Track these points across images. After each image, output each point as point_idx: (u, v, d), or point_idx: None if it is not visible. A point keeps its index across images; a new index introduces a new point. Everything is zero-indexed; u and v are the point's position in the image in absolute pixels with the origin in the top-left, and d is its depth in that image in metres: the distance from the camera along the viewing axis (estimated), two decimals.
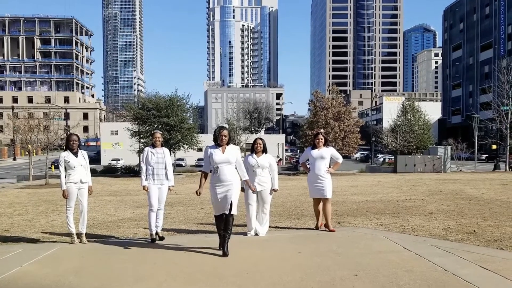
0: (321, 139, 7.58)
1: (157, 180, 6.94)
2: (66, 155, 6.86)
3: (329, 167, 7.58)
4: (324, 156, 7.46)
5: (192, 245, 6.44)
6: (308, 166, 7.84)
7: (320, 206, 7.58)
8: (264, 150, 7.18)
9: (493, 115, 39.39)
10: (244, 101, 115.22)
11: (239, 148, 6.07)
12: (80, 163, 6.89)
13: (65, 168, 6.86)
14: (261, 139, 7.22)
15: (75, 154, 6.91)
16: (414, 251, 5.80)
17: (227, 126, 5.96)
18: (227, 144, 5.99)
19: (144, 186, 6.99)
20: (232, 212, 5.82)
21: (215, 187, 5.84)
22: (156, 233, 6.95)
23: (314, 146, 7.61)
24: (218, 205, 5.85)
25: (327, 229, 7.49)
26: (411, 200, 12.29)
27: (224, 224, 5.85)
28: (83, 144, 75.57)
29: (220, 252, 5.81)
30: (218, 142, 5.96)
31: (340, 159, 7.78)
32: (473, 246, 6.23)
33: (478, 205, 10.83)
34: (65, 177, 6.82)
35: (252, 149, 7.21)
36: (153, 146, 7.07)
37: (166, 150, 7.12)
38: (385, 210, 10.32)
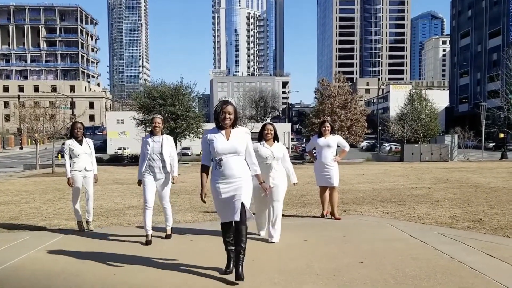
0: (328, 127, 7.48)
1: (152, 172, 6.03)
2: (70, 143, 6.80)
3: (336, 155, 7.52)
4: (330, 144, 7.37)
5: (199, 233, 6.47)
6: (314, 155, 7.73)
7: (327, 194, 7.55)
8: (276, 138, 5.99)
9: (501, 103, 39.02)
10: (250, 90, 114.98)
11: (249, 131, 4.57)
12: (84, 151, 6.82)
13: (70, 156, 6.80)
14: (271, 124, 6.04)
15: (80, 142, 6.84)
16: (420, 238, 5.78)
17: (232, 101, 4.42)
18: (233, 126, 4.39)
19: (139, 180, 6.15)
20: (243, 219, 4.24)
21: (218, 183, 4.29)
22: (166, 231, 6.28)
23: (321, 135, 7.51)
24: (224, 210, 4.32)
25: (333, 217, 7.48)
26: (417, 189, 12.25)
27: (235, 237, 4.30)
28: (89, 134, 75.88)
29: (229, 277, 4.30)
30: (220, 124, 4.37)
31: (347, 147, 7.70)
32: (479, 234, 6.20)
33: (484, 193, 10.77)
34: (70, 165, 6.78)
35: (261, 136, 5.99)
36: (152, 133, 6.14)
37: (167, 137, 6.19)
38: (391, 198, 10.29)
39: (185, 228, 6.88)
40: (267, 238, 5.89)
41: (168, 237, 6.20)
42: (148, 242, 5.87)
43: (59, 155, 36.74)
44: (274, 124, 6.16)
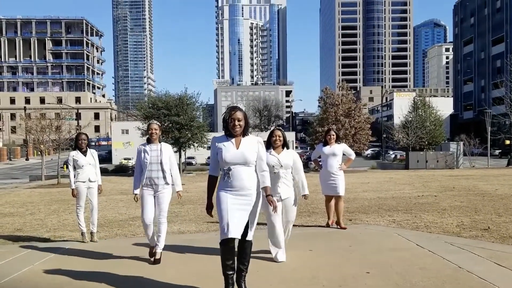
0: (333, 135, 7.40)
1: (150, 185, 5.47)
2: (75, 154, 6.80)
3: (341, 163, 7.47)
4: (336, 153, 7.32)
5: (205, 243, 6.42)
6: (319, 163, 7.67)
7: (332, 203, 7.49)
8: (285, 145, 5.48)
9: (506, 109, 38.86)
10: (253, 99, 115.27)
11: (261, 140, 4.21)
12: (88, 162, 6.79)
13: (74, 167, 6.80)
14: (280, 129, 5.51)
15: (84, 153, 6.83)
16: (427, 248, 5.71)
17: (242, 107, 4.14)
18: (243, 134, 4.07)
19: (135, 195, 5.64)
20: (249, 238, 4.00)
21: (226, 193, 3.93)
22: (154, 254, 5.48)
23: (326, 143, 7.45)
24: (229, 224, 3.80)
25: (338, 227, 7.41)
26: (423, 197, 12.15)
27: (239, 255, 4.02)
28: (94, 144, 76.15)
29: None
30: (229, 132, 4.04)
31: (352, 155, 7.66)
32: (487, 242, 6.12)
33: (492, 201, 10.67)
34: (74, 176, 6.76)
35: (269, 143, 5.46)
36: (148, 141, 5.61)
37: (165, 145, 5.64)
38: (397, 207, 10.21)
39: (189, 239, 6.84)
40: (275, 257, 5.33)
41: (156, 261, 5.37)
42: (152, 255, 5.53)
43: (65, 166, 36.81)
44: (283, 130, 5.59)
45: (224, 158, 3.93)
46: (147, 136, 5.66)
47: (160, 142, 5.62)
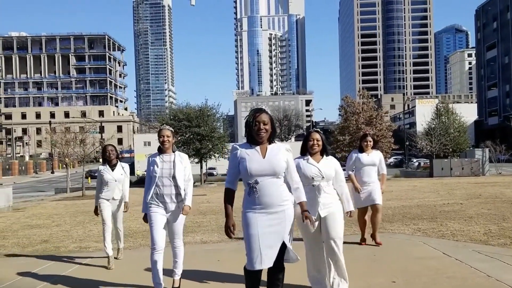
0: (370, 141, 6.48)
1: (161, 202, 4.58)
2: (102, 168, 6.15)
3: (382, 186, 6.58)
4: (375, 162, 6.46)
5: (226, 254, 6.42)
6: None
7: (367, 216, 6.65)
8: (324, 151, 4.39)
9: None
10: (273, 109, 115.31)
11: (289, 148, 3.58)
12: (114, 177, 6.08)
13: (101, 182, 6.18)
14: (318, 131, 4.43)
15: (114, 166, 6.15)
16: (454, 256, 5.59)
17: (267, 109, 3.65)
18: (269, 141, 3.46)
19: (145, 215, 4.71)
20: (282, 264, 3.41)
21: (255, 213, 3.33)
22: (172, 282, 4.75)
23: (361, 149, 6.53)
24: (262, 253, 3.26)
25: (374, 241, 6.62)
26: (449, 205, 11.91)
27: (269, 282, 3.45)
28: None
29: None
30: (252, 138, 3.43)
31: (385, 170, 6.74)
32: None
33: None
34: (100, 192, 6.18)
35: (304, 148, 4.44)
36: (160, 151, 4.72)
37: (180, 155, 4.75)
38: (422, 215, 10.03)
39: (212, 249, 6.85)
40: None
41: None
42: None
43: (89, 178, 37.47)
44: (321, 132, 4.50)
45: (249, 170, 3.32)
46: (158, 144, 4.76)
47: (174, 152, 4.71)
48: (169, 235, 4.70)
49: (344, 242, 5.23)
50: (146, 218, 4.65)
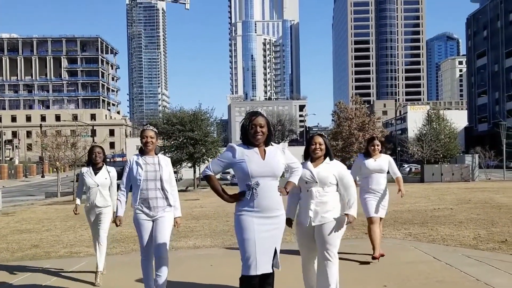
0: (378, 145, 5.94)
1: (147, 207, 4.31)
2: (85, 171, 5.58)
3: (399, 190, 6.24)
4: (383, 167, 5.92)
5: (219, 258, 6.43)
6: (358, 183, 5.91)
7: (377, 229, 6.00)
8: (328, 155, 4.09)
9: None
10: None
11: (286, 145, 3.59)
12: (97, 182, 5.47)
13: (82, 185, 5.60)
14: (321, 135, 4.19)
15: (98, 169, 5.55)
16: (444, 261, 5.66)
17: (263, 112, 3.56)
18: (266, 143, 3.42)
19: (117, 217, 4.46)
20: (276, 267, 3.38)
21: (252, 217, 3.26)
22: None
23: (368, 154, 5.97)
24: (258, 259, 3.19)
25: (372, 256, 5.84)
26: (439, 210, 12.01)
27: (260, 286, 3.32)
28: (109, 160, 76.70)
29: None
30: (249, 141, 3.39)
31: (398, 173, 6.24)
32: (505, 255, 6.05)
33: (508, 213, 10.51)
34: (81, 194, 5.71)
35: (306, 153, 4.19)
36: (142, 152, 4.40)
37: (163, 158, 4.44)
38: (413, 220, 10.10)
39: (205, 254, 6.86)
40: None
41: None
42: None
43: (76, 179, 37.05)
44: (325, 136, 4.26)
45: (250, 171, 3.25)
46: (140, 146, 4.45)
47: (156, 154, 4.42)
48: (154, 243, 4.29)
49: (342, 253, 5.32)
50: (119, 221, 4.46)
